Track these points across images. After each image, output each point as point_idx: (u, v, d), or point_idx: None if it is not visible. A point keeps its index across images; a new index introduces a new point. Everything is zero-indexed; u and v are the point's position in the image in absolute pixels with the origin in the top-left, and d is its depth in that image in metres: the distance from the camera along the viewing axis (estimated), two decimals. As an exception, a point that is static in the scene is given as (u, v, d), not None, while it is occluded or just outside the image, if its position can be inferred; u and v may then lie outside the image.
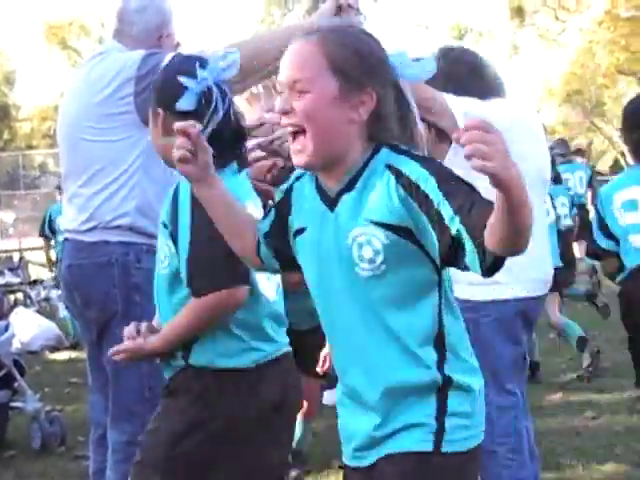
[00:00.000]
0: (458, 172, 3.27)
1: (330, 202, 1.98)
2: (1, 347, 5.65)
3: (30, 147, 41.08)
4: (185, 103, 2.32)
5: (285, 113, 1.94)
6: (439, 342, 1.94)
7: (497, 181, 1.58)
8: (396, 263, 1.89)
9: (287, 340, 2.62)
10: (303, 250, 2.06)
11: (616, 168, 43.19)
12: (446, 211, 1.79)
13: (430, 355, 1.93)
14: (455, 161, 3.33)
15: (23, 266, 11.90)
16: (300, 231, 2.06)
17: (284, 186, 2.15)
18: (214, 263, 2.40)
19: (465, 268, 1.83)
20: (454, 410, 1.94)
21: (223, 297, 2.41)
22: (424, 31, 46.84)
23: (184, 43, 3.75)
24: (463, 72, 3.31)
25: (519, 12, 38.31)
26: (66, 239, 3.53)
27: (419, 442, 1.93)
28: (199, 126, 2.03)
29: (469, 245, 1.76)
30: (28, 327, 8.91)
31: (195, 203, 2.30)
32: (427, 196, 1.83)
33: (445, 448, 1.92)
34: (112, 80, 3.30)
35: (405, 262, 1.90)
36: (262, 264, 2.17)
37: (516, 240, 1.68)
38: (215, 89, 2.40)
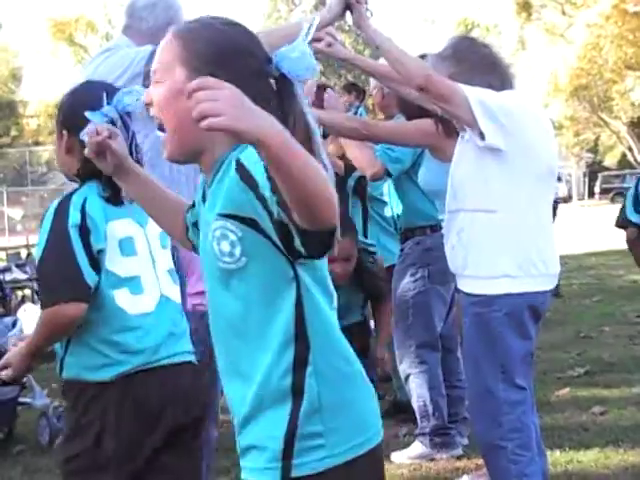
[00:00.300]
0: (466, 166, 3.27)
1: (203, 197, 1.94)
2: (9, 343, 5.65)
3: (37, 143, 41.13)
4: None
5: (149, 104, 1.94)
6: (299, 346, 1.78)
7: (240, 137, 1.47)
8: (253, 256, 1.77)
9: (175, 351, 2.66)
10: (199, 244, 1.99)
11: (624, 163, 43.16)
12: (267, 193, 1.65)
13: (288, 358, 1.78)
14: (462, 154, 3.34)
15: (30, 262, 11.90)
16: (196, 224, 2.05)
17: None
18: (52, 279, 2.58)
19: (300, 255, 1.72)
20: (305, 429, 1.77)
21: (54, 312, 2.55)
22: (431, 26, 46.81)
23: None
24: (476, 62, 3.31)
25: (526, 7, 38.24)
26: None
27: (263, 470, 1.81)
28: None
29: (290, 226, 1.64)
30: (36, 323, 8.95)
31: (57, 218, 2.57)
32: (254, 180, 1.68)
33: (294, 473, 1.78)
34: (121, 75, 3.30)
35: (260, 255, 1.77)
36: (193, 246, 2.13)
37: (305, 210, 1.55)
38: (119, 121, 2.55)
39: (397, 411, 5.43)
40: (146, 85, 3.26)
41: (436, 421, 4.70)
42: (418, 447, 4.76)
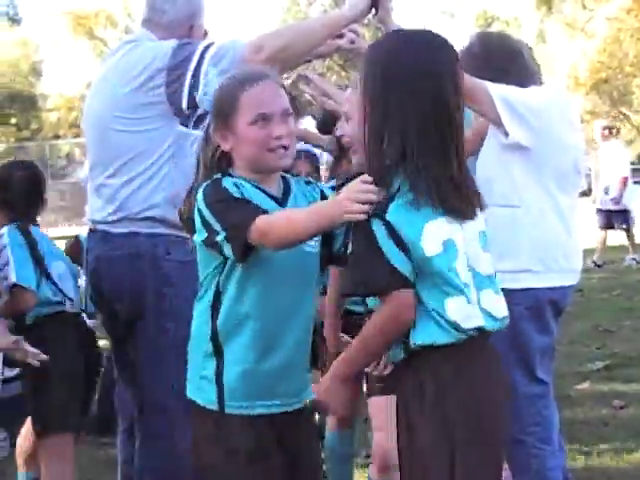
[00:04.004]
0: (491, 162, 3.22)
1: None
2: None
3: (57, 137, 41.24)
4: None
5: None
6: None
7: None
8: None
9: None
10: None
11: (644, 157, 42.88)
12: None
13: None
14: (487, 150, 3.32)
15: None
16: None
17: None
18: None
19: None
20: None
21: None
22: (449, 19, 46.67)
23: (211, 32, 3.75)
24: (503, 58, 3.30)
25: (546, 0, 38.04)
26: (92, 230, 3.49)
27: None
28: None
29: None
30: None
31: None
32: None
33: None
34: (143, 70, 3.28)
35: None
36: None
37: None
38: None
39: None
40: (168, 80, 3.27)
41: None
42: None
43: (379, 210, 2.21)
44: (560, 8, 38.76)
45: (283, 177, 2.64)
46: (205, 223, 2.44)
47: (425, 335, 2.24)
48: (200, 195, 2.47)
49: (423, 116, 2.26)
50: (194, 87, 3.23)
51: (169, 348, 3.28)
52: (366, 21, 3.90)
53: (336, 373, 2.35)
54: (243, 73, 2.63)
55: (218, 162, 2.57)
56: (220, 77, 3.20)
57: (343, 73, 42.32)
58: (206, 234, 2.43)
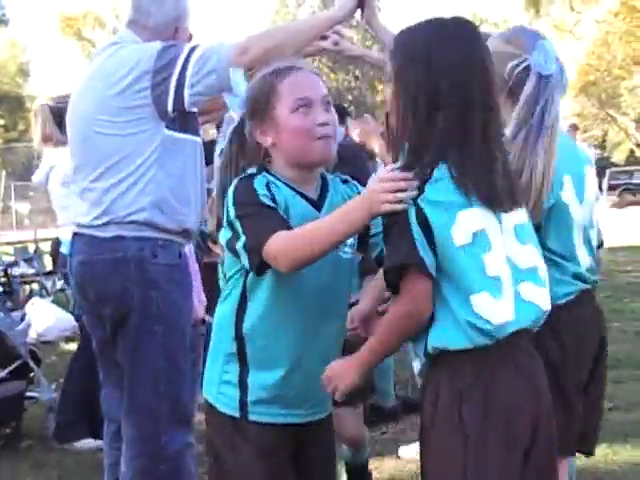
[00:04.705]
0: None
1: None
2: (17, 338, 5.66)
3: (45, 138, 41.13)
4: None
5: None
6: None
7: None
8: None
9: None
10: None
11: (632, 159, 43.04)
12: None
13: None
14: None
15: (38, 257, 11.90)
16: None
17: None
18: None
19: None
20: None
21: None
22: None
23: (198, 34, 3.73)
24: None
25: (534, 3, 38.19)
26: (76, 234, 3.46)
27: None
28: None
29: None
30: (44, 318, 8.96)
31: None
32: None
33: None
34: (128, 73, 3.26)
35: None
36: None
37: None
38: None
39: (406, 409, 5.43)
40: (154, 82, 3.25)
41: None
42: None
43: (414, 196, 2.11)
44: (548, 10, 38.91)
45: (322, 177, 2.53)
46: (230, 223, 2.35)
47: (442, 338, 2.14)
48: (231, 192, 2.37)
49: (466, 102, 2.16)
50: (180, 90, 3.21)
51: (156, 351, 3.28)
52: (354, 23, 3.90)
53: (354, 359, 2.25)
54: (275, 66, 2.51)
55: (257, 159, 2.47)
56: (208, 78, 3.20)
57: (332, 75, 42.35)
58: (230, 234, 2.35)
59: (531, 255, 2.26)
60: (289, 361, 2.42)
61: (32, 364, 5.73)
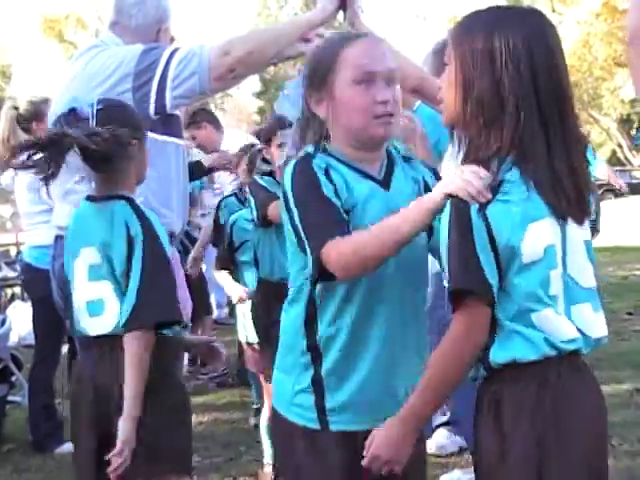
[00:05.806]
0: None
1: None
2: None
3: (27, 141, 41.00)
4: None
5: None
6: None
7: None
8: None
9: None
10: None
11: (614, 160, 43.21)
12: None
13: None
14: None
15: (20, 260, 11.85)
16: None
17: None
18: None
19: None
20: None
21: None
22: (422, 23, 46.84)
23: (181, 37, 3.72)
24: None
25: (516, 4, 38.26)
26: (59, 236, 3.44)
27: None
28: None
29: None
30: (25, 321, 8.91)
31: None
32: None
33: None
34: (110, 75, 3.26)
35: None
36: None
37: None
38: None
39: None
40: (135, 85, 3.24)
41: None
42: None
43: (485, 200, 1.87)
44: (530, 12, 38.99)
45: (388, 154, 2.31)
46: (288, 208, 2.15)
47: (507, 352, 1.93)
48: (289, 172, 2.17)
49: (541, 95, 1.94)
50: (161, 93, 3.21)
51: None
52: (337, 24, 3.90)
53: (397, 425, 2.00)
54: (342, 33, 2.33)
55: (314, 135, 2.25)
56: (189, 81, 3.20)
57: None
58: (290, 227, 2.16)
59: (592, 275, 2.10)
60: (371, 363, 2.20)
61: (14, 368, 5.71)
